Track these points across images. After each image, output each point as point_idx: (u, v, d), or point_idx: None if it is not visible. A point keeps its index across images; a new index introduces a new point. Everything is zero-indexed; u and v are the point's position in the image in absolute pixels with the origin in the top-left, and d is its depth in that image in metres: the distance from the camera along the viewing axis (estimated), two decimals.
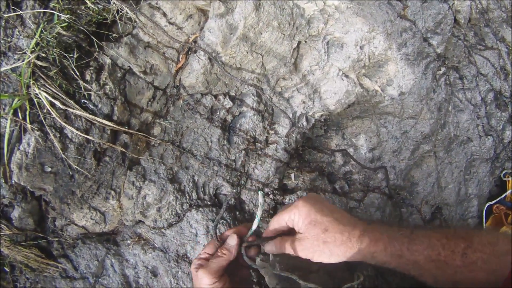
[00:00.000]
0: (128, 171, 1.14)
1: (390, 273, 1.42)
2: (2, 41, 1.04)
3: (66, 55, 1.05)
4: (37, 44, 1.03)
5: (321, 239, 0.87)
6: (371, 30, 1.24)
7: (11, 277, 1.12)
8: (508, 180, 1.79)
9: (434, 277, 0.81)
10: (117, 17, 1.11)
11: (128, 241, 1.17)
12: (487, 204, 1.74)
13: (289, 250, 0.93)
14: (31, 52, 1.02)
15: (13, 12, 1.04)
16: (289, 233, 0.99)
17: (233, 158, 1.24)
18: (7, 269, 1.11)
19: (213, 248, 0.99)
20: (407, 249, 0.81)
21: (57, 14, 1.05)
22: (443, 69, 1.50)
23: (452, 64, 1.56)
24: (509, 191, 1.78)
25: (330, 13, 1.23)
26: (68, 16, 1.05)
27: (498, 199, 1.76)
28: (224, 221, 1.17)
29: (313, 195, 1.05)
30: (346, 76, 1.28)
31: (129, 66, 1.14)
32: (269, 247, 0.98)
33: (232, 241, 0.98)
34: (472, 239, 0.78)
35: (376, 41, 1.26)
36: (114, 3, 1.09)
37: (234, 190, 1.23)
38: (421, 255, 0.80)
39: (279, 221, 0.97)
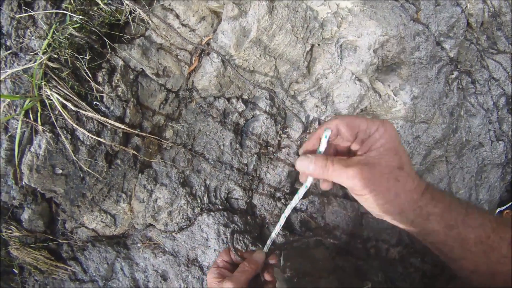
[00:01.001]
0: (140, 174, 1.13)
1: (400, 279, 1.41)
2: (14, 42, 1.04)
3: (78, 56, 1.04)
4: (49, 45, 1.02)
5: (394, 175, 0.70)
6: (385, 33, 1.23)
7: (20, 279, 1.12)
8: None
9: (476, 263, 0.73)
10: (129, 18, 1.10)
11: (138, 245, 1.16)
12: (498, 210, 1.73)
13: (335, 175, 0.71)
14: (43, 53, 1.01)
15: (25, 13, 1.04)
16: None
17: (245, 162, 1.23)
18: (16, 271, 1.11)
19: (229, 256, 0.96)
20: (462, 222, 0.72)
21: (70, 15, 1.04)
22: (455, 73, 1.48)
23: (464, 68, 1.54)
24: None
25: (343, 16, 1.22)
26: (81, 17, 1.05)
27: (508, 205, 1.75)
28: (236, 226, 1.16)
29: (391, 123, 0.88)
30: (359, 80, 1.27)
31: (141, 68, 1.13)
32: (306, 163, 0.74)
33: (261, 257, 0.93)
34: None
35: (389, 44, 1.25)
36: (127, 4, 1.08)
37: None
38: (473, 233, 0.71)
39: (351, 123, 0.75)
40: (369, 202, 0.71)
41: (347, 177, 0.70)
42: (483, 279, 0.74)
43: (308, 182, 0.76)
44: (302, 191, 0.77)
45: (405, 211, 0.72)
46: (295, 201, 0.81)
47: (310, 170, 0.73)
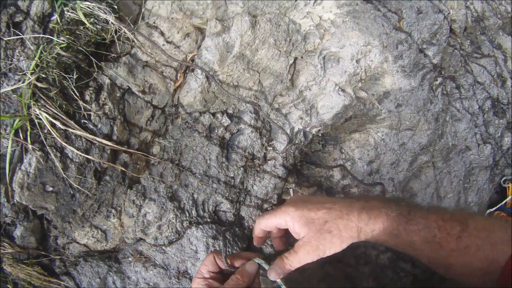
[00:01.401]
0: (129, 190, 1.15)
1: (391, 284, 1.43)
2: (2, 63, 1.05)
3: (65, 75, 1.06)
4: (37, 65, 1.04)
5: (325, 231, 0.87)
6: (367, 43, 1.25)
7: None
8: (508, 187, 1.79)
9: (428, 258, 0.82)
10: (115, 37, 1.12)
11: (130, 259, 1.18)
12: (488, 211, 1.75)
13: (295, 262, 0.91)
14: (31, 74, 1.03)
15: (14, 35, 1.06)
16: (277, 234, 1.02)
17: (231, 175, 1.25)
18: (10, 287, 1.12)
19: (214, 266, 0.98)
20: (404, 230, 0.82)
21: (57, 35, 1.06)
22: (439, 80, 1.51)
23: (448, 74, 1.57)
24: (509, 198, 1.79)
25: (326, 27, 1.24)
26: (67, 37, 1.07)
27: (498, 206, 1.77)
28: (224, 238, 1.18)
29: (297, 197, 1.05)
30: (343, 90, 1.29)
31: (128, 85, 1.15)
32: (274, 273, 0.94)
33: (254, 269, 0.95)
34: (468, 223, 0.79)
35: (372, 54, 1.27)
36: (112, 23, 1.10)
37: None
38: (417, 236, 0.81)
39: (268, 224, 0.98)
40: (329, 254, 0.89)
41: (300, 262, 0.90)
42: (440, 271, 0.83)
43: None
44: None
45: (354, 237, 0.87)
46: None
47: (278, 272, 0.93)
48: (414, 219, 0.83)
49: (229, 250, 1.16)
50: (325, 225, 0.87)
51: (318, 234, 0.87)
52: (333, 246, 0.87)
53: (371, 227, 0.85)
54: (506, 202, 1.79)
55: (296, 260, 0.90)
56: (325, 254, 0.88)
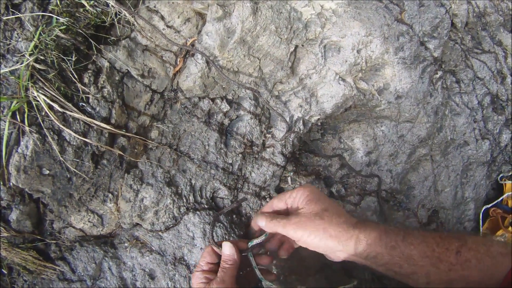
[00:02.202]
0: (126, 174, 1.14)
1: (386, 277, 1.42)
2: (1, 44, 1.04)
3: (64, 58, 1.05)
4: (35, 46, 1.03)
5: (318, 216, 0.87)
6: (368, 34, 1.25)
7: (9, 279, 1.12)
8: (505, 184, 1.80)
9: (427, 274, 0.79)
10: (115, 20, 1.11)
11: (126, 244, 1.17)
12: (484, 208, 1.75)
13: (280, 224, 0.91)
14: (30, 55, 1.02)
15: (12, 15, 1.05)
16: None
17: (230, 161, 1.24)
18: (5, 271, 1.11)
19: (212, 256, 0.98)
20: (402, 241, 0.80)
21: (56, 17, 1.05)
22: (440, 73, 1.51)
23: (449, 68, 1.57)
24: (506, 194, 1.79)
25: (327, 17, 1.24)
26: (67, 19, 1.06)
27: (494, 203, 1.77)
28: (221, 225, 1.17)
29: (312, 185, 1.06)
30: (343, 80, 1.29)
31: (127, 69, 1.14)
32: (259, 220, 0.96)
33: (228, 249, 0.96)
34: (466, 239, 0.78)
35: (373, 45, 1.27)
36: (112, 6, 1.09)
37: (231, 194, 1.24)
38: (416, 249, 0.79)
39: (279, 201, 0.98)
40: (308, 242, 0.87)
41: (284, 227, 0.90)
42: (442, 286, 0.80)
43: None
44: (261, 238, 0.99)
45: (341, 241, 0.85)
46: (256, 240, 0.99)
47: (263, 225, 0.95)
48: (412, 234, 0.82)
49: (226, 237, 1.16)
50: (323, 212, 0.87)
51: (311, 214, 0.88)
52: (314, 234, 0.86)
53: (368, 235, 0.83)
54: (502, 199, 1.80)
55: (284, 227, 0.90)
56: (304, 237, 0.87)
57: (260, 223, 0.96)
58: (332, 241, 0.85)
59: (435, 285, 0.80)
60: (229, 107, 1.24)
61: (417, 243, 0.80)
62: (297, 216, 0.89)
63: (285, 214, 0.97)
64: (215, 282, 0.91)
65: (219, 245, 0.98)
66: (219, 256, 0.98)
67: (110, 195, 1.13)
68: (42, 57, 1.04)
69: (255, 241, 0.99)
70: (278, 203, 0.99)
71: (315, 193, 0.92)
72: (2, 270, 1.11)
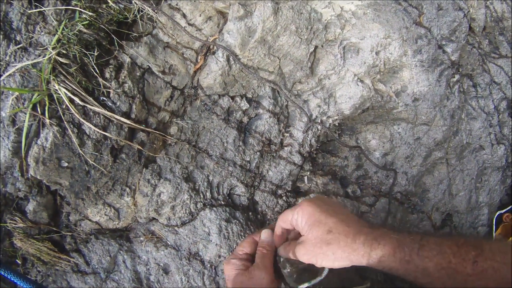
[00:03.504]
0: (144, 169, 1.15)
1: (399, 279, 1.42)
2: (23, 37, 1.06)
3: (86, 52, 1.06)
4: (58, 40, 1.05)
5: (324, 241, 0.84)
6: (387, 36, 1.25)
7: (22, 270, 1.13)
8: None
9: (444, 286, 0.78)
10: (138, 16, 1.13)
11: (141, 238, 1.18)
12: (498, 213, 1.74)
13: (292, 255, 0.91)
14: (53, 49, 1.03)
15: (35, 9, 1.06)
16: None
17: (248, 159, 1.25)
18: (19, 261, 1.12)
19: (251, 246, 0.98)
20: (417, 255, 0.78)
21: (79, 12, 1.07)
22: (457, 77, 1.50)
23: (466, 72, 1.56)
24: None
25: (347, 18, 1.24)
26: (90, 14, 1.07)
27: (508, 208, 1.76)
28: (237, 221, 1.18)
29: (320, 197, 1.02)
30: (361, 81, 1.29)
31: (148, 65, 1.15)
32: (281, 251, 0.98)
33: (268, 235, 0.97)
34: (483, 247, 0.76)
35: (391, 47, 1.27)
36: (135, 2, 1.11)
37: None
38: (431, 262, 0.77)
39: (284, 220, 0.96)
40: (321, 265, 0.86)
41: (296, 257, 0.89)
42: None
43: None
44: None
45: (353, 260, 0.83)
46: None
47: (282, 253, 0.96)
48: (427, 245, 0.79)
49: (241, 233, 1.16)
50: (328, 234, 0.84)
51: (317, 241, 0.85)
52: (325, 259, 0.84)
53: (380, 252, 0.80)
54: None
55: (293, 252, 0.91)
56: (317, 264, 0.86)
57: (280, 252, 0.98)
58: (343, 262, 0.84)
59: None
60: (248, 105, 1.25)
61: (433, 255, 0.77)
62: (303, 246, 0.88)
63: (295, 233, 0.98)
64: (255, 267, 0.91)
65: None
66: (256, 248, 0.98)
67: (127, 189, 1.14)
68: (64, 51, 1.05)
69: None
70: (284, 225, 0.97)
71: (315, 214, 0.88)
72: (17, 260, 1.12)
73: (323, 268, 0.92)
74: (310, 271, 1.19)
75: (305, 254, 0.86)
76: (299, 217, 0.90)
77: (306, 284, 0.93)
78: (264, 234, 0.96)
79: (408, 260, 0.78)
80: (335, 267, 0.85)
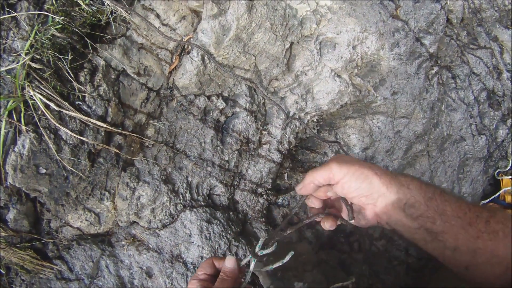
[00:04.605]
0: (122, 172, 1.14)
1: (384, 272, 1.43)
2: None
3: (60, 57, 1.05)
4: (31, 46, 1.03)
5: (359, 173, 0.84)
6: (364, 30, 1.25)
7: (7, 279, 1.12)
8: (502, 179, 1.81)
9: (456, 236, 0.78)
10: (111, 18, 1.11)
11: (123, 242, 1.18)
12: (481, 203, 1.75)
13: (325, 168, 0.87)
14: (26, 54, 1.02)
15: (8, 14, 1.05)
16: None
17: (226, 158, 1.24)
18: (3, 271, 1.11)
19: (211, 268, 0.96)
20: (439, 195, 0.80)
21: (51, 16, 1.06)
22: (435, 69, 1.51)
23: (444, 64, 1.57)
24: (502, 190, 1.80)
25: (322, 13, 1.24)
26: (62, 18, 1.06)
27: (492, 198, 1.78)
28: (218, 222, 1.18)
29: (337, 155, 1.02)
30: (339, 76, 1.29)
31: (123, 67, 1.15)
32: (328, 225, 0.93)
33: (232, 263, 0.94)
34: (496, 212, 0.78)
35: (368, 41, 1.27)
36: (108, 4, 1.10)
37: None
38: (450, 207, 0.79)
39: (319, 178, 0.92)
40: (351, 182, 0.84)
41: (329, 170, 0.86)
42: (465, 258, 0.79)
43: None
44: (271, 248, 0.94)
45: (385, 183, 0.83)
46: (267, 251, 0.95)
47: (313, 178, 0.91)
48: (448, 193, 0.82)
49: (223, 234, 1.16)
50: (362, 168, 0.84)
51: (354, 175, 0.84)
52: (361, 172, 0.84)
53: (410, 182, 0.82)
54: (499, 194, 1.80)
55: (329, 168, 0.87)
56: (351, 179, 0.85)
57: (309, 179, 0.92)
58: (376, 179, 0.84)
59: (461, 252, 0.79)
60: (225, 104, 1.25)
61: (452, 201, 0.80)
62: (343, 178, 0.86)
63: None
64: None
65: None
66: (218, 269, 0.97)
67: (107, 193, 1.14)
68: (38, 56, 1.04)
69: (266, 251, 0.96)
70: (320, 181, 0.92)
71: (348, 159, 0.88)
72: (0, 270, 1.11)
73: (288, 254, 0.94)
74: (295, 269, 1.20)
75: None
76: (332, 171, 0.87)
77: (270, 266, 0.95)
78: (229, 261, 0.94)
79: (431, 197, 0.81)
80: (362, 189, 0.84)
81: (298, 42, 1.26)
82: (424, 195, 0.81)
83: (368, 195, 0.85)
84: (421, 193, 0.81)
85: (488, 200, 1.74)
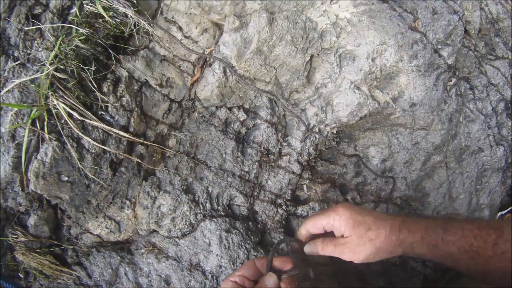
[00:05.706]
0: (144, 182, 1.16)
1: (401, 283, 1.42)
2: (21, 53, 1.07)
3: (84, 67, 1.07)
4: (56, 56, 1.05)
5: (366, 238, 0.90)
6: (383, 42, 1.26)
7: (25, 283, 1.14)
8: None
9: (467, 267, 0.84)
10: (134, 30, 1.13)
11: (142, 250, 1.19)
12: (499, 214, 1.74)
13: (333, 252, 0.95)
14: (50, 64, 1.04)
15: (33, 25, 1.07)
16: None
17: (246, 169, 1.25)
18: (21, 275, 1.13)
19: (251, 271, 0.95)
20: (442, 240, 0.85)
21: (75, 28, 1.07)
22: (453, 80, 1.51)
23: (462, 75, 1.56)
24: None
25: (342, 26, 1.25)
26: (86, 29, 1.08)
27: (510, 209, 1.76)
28: (237, 231, 1.18)
29: (344, 203, 1.07)
30: (358, 88, 1.29)
31: (145, 79, 1.16)
32: (310, 249, 1.00)
33: (271, 281, 0.93)
34: (503, 229, 0.81)
35: (387, 53, 1.27)
36: (131, 17, 1.11)
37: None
38: (455, 246, 0.84)
39: (315, 225, 0.99)
40: (361, 260, 0.92)
41: (337, 254, 0.94)
42: (479, 278, 0.86)
43: None
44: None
45: (392, 251, 0.91)
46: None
47: (318, 250, 0.98)
48: (451, 230, 0.85)
49: (242, 243, 1.17)
50: (368, 232, 0.90)
51: (359, 239, 0.90)
52: (368, 254, 0.90)
53: (411, 239, 0.88)
54: None
55: (332, 251, 0.95)
56: (359, 259, 0.92)
57: (311, 249, 1.00)
58: (384, 254, 0.91)
59: (474, 274, 0.86)
60: (246, 116, 1.26)
61: (456, 240, 0.84)
62: (346, 245, 0.93)
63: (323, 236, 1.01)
64: None
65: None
66: (256, 275, 0.96)
67: (127, 202, 1.15)
68: (62, 67, 1.06)
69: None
70: (314, 230, 1.00)
71: (353, 216, 0.93)
72: (19, 274, 1.13)
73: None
74: (311, 280, 1.19)
75: (349, 252, 0.92)
76: (336, 221, 0.95)
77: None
78: (269, 278, 0.94)
79: (434, 245, 0.86)
80: (376, 260, 0.92)
81: (318, 54, 1.27)
82: (427, 246, 0.87)
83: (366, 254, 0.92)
84: (423, 246, 0.88)
85: (506, 211, 1.73)
